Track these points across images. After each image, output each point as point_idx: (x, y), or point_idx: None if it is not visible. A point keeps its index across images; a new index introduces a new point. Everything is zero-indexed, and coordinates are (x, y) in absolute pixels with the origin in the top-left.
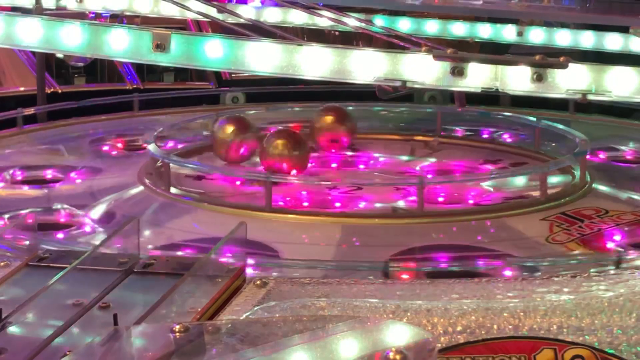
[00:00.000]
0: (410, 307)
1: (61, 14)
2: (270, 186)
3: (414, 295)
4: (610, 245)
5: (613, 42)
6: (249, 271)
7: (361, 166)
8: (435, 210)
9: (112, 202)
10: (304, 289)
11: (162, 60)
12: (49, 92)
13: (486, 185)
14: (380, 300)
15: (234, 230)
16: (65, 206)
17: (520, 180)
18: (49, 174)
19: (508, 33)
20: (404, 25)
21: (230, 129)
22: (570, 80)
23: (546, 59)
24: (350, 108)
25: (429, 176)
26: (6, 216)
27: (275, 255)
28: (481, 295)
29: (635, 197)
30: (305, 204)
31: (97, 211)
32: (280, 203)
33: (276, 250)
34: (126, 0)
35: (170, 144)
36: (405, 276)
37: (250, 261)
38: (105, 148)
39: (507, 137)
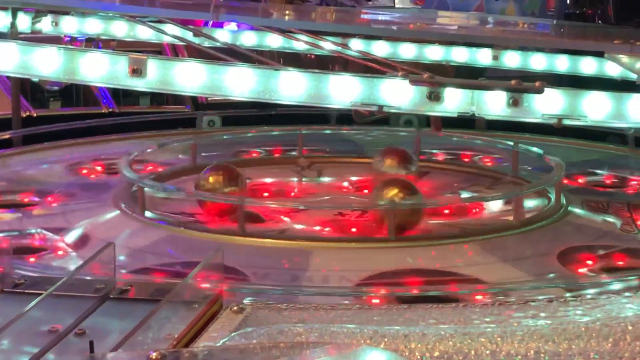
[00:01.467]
0: (387, 333)
1: (36, 37)
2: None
3: (391, 320)
4: None
5: (588, 66)
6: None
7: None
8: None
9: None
10: (281, 314)
11: (138, 85)
12: (24, 116)
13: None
14: (357, 325)
15: (211, 256)
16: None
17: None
18: None
19: (483, 57)
20: (380, 48)
21: None
22: (545, 105)
23: (522, 83)
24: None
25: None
26: None
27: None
28: (458, 321)
29: (610, 219)
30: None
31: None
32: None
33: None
34: (102, 24)
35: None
36: None
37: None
38: None
39: None
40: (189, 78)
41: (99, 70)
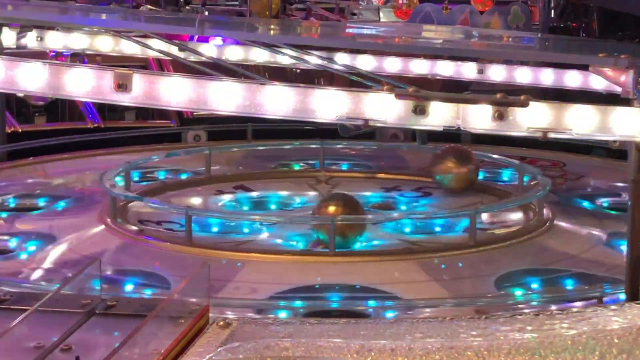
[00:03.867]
0: (374, 347)
1: (21, 52)
2: None
3: (378, 334)
4: None
5: (572, 79)
6: None
7: None
8: None
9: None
10: (268, 329)
11: (124, 100)
12: (9, 131)
13: None
14: (344, 340)
15: (197, 272)
16: None
17: None
18: None
19: (468, 71)
20: (366, 62)
21: None
22: (531, 119)
23: (507, 97)
24: None
25: None
26: None
27: None
28: (445, 335)
29: (595, 232)
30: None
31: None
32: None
33: None
34: (87, 39)
35: None
36: None
37: None
38: None
39: None
40: (175, 93)
41: (85, 85)
